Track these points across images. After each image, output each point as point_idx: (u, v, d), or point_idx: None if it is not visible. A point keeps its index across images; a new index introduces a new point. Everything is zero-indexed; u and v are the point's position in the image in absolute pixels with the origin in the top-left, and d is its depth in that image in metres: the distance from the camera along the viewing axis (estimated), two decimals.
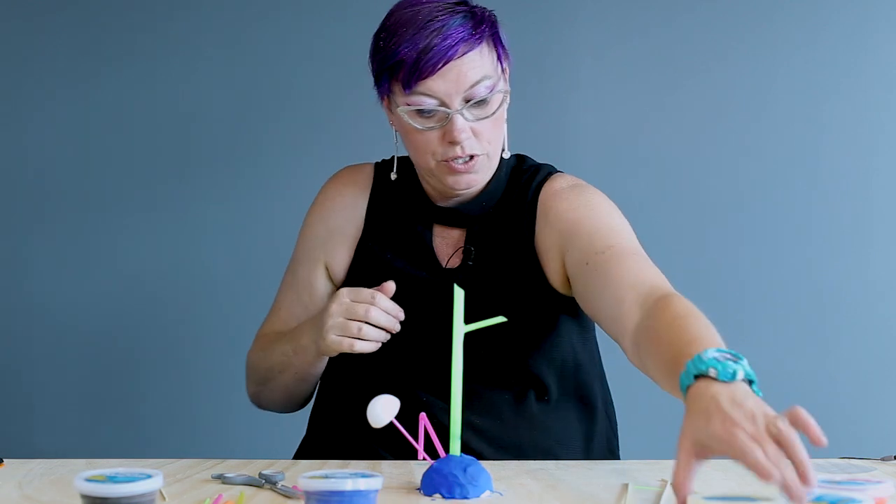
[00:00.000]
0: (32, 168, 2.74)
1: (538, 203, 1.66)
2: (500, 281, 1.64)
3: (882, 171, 2.70)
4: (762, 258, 2.69)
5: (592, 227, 1.58)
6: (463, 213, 1.67)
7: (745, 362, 1.12)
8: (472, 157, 1.57)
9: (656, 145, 2.71)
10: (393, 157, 1.74)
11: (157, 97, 2.72)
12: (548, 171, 1.72)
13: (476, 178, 1.61)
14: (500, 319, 1.40)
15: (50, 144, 2.74)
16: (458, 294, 1.29)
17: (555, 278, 1.63)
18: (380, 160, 1.78)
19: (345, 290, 1.55)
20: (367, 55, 1.62)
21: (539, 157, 1.75)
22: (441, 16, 1.53)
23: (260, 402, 1.80)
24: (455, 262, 1.66)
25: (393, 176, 1.69)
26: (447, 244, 1.68)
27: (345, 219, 1.72)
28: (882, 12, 2.70)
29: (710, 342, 1.20)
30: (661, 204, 2.68)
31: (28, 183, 2.74)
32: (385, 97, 1.61)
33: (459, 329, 1.28)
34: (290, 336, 1.67)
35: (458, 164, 1.58)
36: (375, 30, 1.60)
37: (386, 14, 1.60)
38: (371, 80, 1.62)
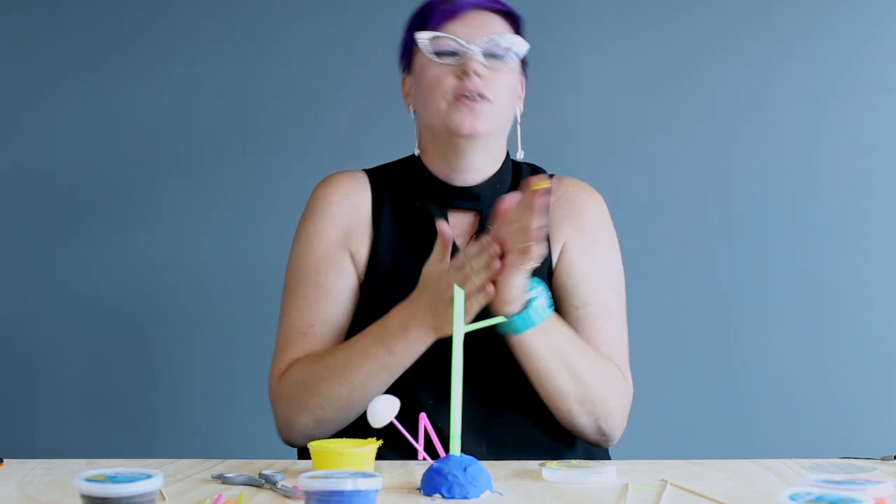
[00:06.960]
0: (30, 169, 2.74)
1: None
2: None
3: (880, 170, 2.70)
4: (762, 257, 2.69)
5: (588, 263, 1.69)
6: (476, 195, 1.68)
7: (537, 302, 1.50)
8: (479, 96, 1.62)
9: (655, 144, 2.70)
10: (382, 164, 1.78)
11: (157, 97, 2.72)
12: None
13: (480, 124, 1.63)
14: (500, 319, 1.41)
15: (49, 145, 2.74)
16: (458, 294, 1.29)
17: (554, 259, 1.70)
18: (367, 168, 1.78)
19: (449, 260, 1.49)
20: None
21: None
22: None
23: (318, 433, 1.61)
24: None
25: (416, 152, 1.71)
26: (460, 232, 1.69)
27: (356, 220, 1.71)
28: (882, 12, 2.70)
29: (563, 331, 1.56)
30: (659, 203, 2.68)
31: (26, 183, 2.74)
32: (407, 63, 1.70)
33: (459, 329, 1.28)
34: (377, 338, 1.55)
35: (467, 100, 1.61)
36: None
37: None
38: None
